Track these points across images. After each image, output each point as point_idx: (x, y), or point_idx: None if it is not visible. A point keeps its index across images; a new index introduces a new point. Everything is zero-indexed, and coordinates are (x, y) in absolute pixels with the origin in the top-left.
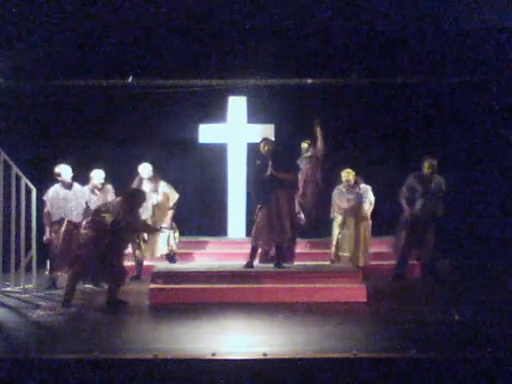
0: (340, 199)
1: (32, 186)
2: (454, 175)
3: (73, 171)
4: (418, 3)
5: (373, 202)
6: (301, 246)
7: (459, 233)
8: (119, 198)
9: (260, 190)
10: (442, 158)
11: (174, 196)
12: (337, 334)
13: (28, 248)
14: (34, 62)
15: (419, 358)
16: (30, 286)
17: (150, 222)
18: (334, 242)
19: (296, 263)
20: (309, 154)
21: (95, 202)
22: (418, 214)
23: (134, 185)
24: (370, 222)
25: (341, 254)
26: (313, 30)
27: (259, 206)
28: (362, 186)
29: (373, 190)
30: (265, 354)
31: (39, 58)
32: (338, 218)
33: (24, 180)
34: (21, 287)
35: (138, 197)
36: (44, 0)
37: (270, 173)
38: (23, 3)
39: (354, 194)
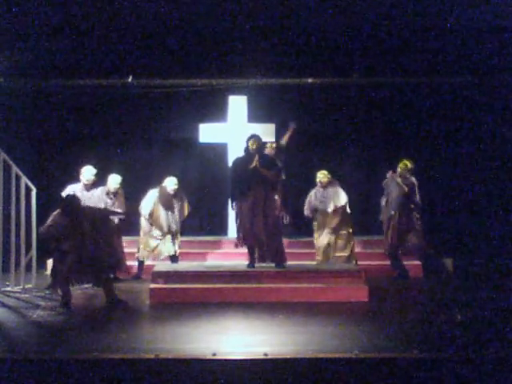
0: (310, 201)
1: (32, 186)
2: (455, 175)
3: (72, 171)
4: (418, 3)
5: (341, 202)
6: (300, 246)
7: (460, 232)
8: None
9: (240, 183)
10: (443, 157)
11: (188, 206)
12: (338, 333)
13: (28, 248)
14: (34, 61)
15: (421, 357)
16: (29, 285)
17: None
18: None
19: (296, 263)
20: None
21: (109, 206)
22: (392, 214)
23: (161, 199)
24: (337, 220)
25: (322, 255)
26: (313, 29)
27: (236, 202)
28: (335, 188)
29: (373, 190)
30: (265, 354)
31: (39, 57)
32: (316, 220)
33: (24, 180)
34: (21, 287)
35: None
36: (44, 0)
37: (255, 165)
38: (23, 3)
39: (324, 195)
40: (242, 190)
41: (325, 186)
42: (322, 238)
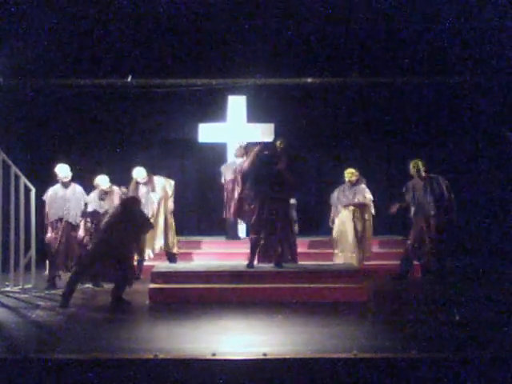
0: (339, 199)
1: (31, 186)
2: (455, 175)
3: (72, 170)
4: (418, 3)
5: (368, 197)
6: (301, 246)
7: (460, 232)
8: (119, 206)
9: (261, 182)
10: (443, 158)
11: (171, 183)
12: (337, 333)
13: (27, 248)
14: (34, 61)
15: (420, 357)
16: (29, 285)
17: (153, 220)
18: (334, 242)
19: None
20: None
21: (102, 206)
22: (417, 214)
23: (131, 189)
24: (369, 224)
25: (336, 252)
26: (312, 29)
27: (255, 198)
28: (362, 186)
29: (373, 190)
30: (265, 354)
31: (39, 57)
32: (336, 218)
33: (23, 180)
34: (20, 287)
35: (134, 204)
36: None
37: (279, 168)
38: (23, 2)
39: (351, 192)
40: (262, 187)
41: (352, 185)
42: (345, 235)
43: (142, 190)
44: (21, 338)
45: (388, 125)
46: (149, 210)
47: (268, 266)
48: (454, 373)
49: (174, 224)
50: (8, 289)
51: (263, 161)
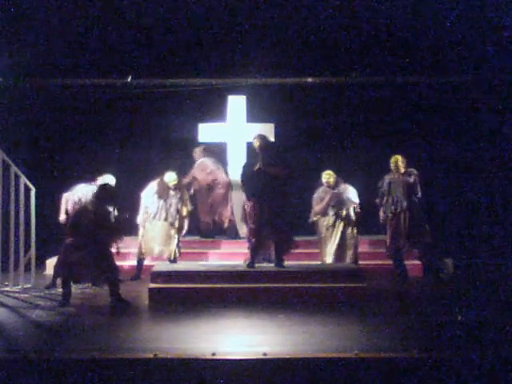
0: (317, 201)
1: (31, 186)
2: (455, 175)
3: (71, 170)
4: (418, 2)
5: (354, 201)
6: (301, 246)
7: (461, 232)
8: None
9: (249, 184)
10: (443, 157)
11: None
12: (338, 333)
13: (27, 248)
14: (33, 61)
15: (421, 357)
16: (28, 285)
17: (172, 228)
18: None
19: (296, 263)
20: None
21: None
22: (392, 211)
23: (159, 193)
24: (353, 221)
25: (326, 255)
26: (312, 29)
27: (249, 200)
28: (342, 186)
29: (372, 190)
30: (265, 354)
31: (38, 57)
32: (321, 220)
33: (23, 179)
34: (20, 287)
35: (109, 190)
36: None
37: (259, 167)
38: (22, 2)
39: (332, 195)
40: (252, 191)
41: (333, 187)
42: (334, 239)
43: (171, 194)
44: (20, 337)
45: (388, 125)
46: (174, 216)
47: (268, 266)
48: (454, 373)
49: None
50: (8, 288)
51: (245, 166)
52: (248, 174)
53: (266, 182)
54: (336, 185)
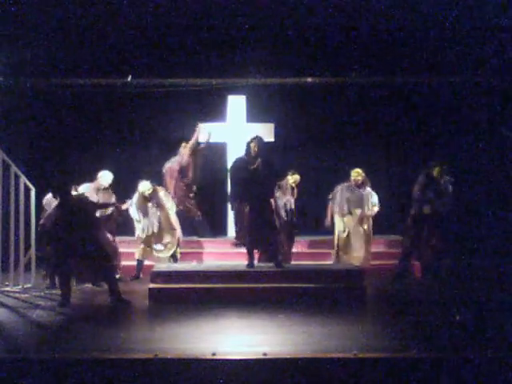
0: (341, 198)
1: (31, 186)
2: (455, 175)
3: (71, 170)
4: (418, 2)
5: (376, 205)
6: (301, 246)
7: (460, 232)
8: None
9: (240, 184)
10: (443, 157)
11: (166, 194)
12: (337, 333)
13: (27, 247)
14: (34, 60)
15: (420, 357)
16: (28, 285)
17: (156, 236)
18: (336, 242)
19: (296, 263)
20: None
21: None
22: (428, 213)
23: (137, 203)
24: (371, 223)
25: (341, 254)
26: (312, 28)
27: (239, 202)
28: (368, 189)
29: (372, 189)
30: (265, 354)
31: (38, 56)
32: (339, 218)
33: (23, 179)
34: (20, 287)
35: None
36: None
37: (256, 168)
38: (22, 2)
39: (358, 195)
40: (242, 191)
41: (359, 186)
42: (349, 238)
43: (149, 207)
44: (20, 337)
45: (388, 125)
46: (154, 224)
47: (268, 266)
48: (454, 373)
49: (179, 237)
50: (8, 288)
51: (237, 165)
52: (241, 174)
53: (258, 184)
54: (363, 185)
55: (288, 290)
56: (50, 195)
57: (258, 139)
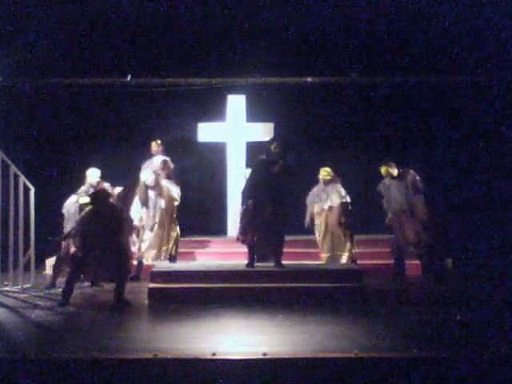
0: (313, 198)
1: (30, 185)
2: (455, 174)
3: (71, 170)
4: (418, 2)
5: (344, 198)
6: (300, 246)
7: (460, 232)
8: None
9: (259, 184)
10: (443, 157)
11: (176, 189)
12: (337, 333)
13: (26, 247)
14: (33, 60)
15: (420, 357)
16: (28, 285)
17: (158, 226)
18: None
19: (296, 263)
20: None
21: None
22: (396, 212)
23: (139, 192)
24: (343, 219)
25: (322, 254)
26: (312, 28)
27: (251, 201)
28: (335, 185)
29: (372, 189)
30: (265, 354)
31: (38, 56)
32: (316, 217)
33: (22, 179)
34: (19, 287)
35: (104, 196)
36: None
37: (278, 170)
38: (22, 1)
39: (326, 193)
40: (258, 192)
41: (326, 184)
42: (324, 236)
43: (150, 193)
44: (20, 337)
45: (387, 124)
46: (156, 215)
47: (268, 266)
48: (454, 373)
49: (177, 233)
50: (7, 288)
51: (260, 165)
52: (261, 174)
53: (274, 187)
54: (330, 182)
55: (288, 290)
56: (68, 201)
57: (278, 142)
